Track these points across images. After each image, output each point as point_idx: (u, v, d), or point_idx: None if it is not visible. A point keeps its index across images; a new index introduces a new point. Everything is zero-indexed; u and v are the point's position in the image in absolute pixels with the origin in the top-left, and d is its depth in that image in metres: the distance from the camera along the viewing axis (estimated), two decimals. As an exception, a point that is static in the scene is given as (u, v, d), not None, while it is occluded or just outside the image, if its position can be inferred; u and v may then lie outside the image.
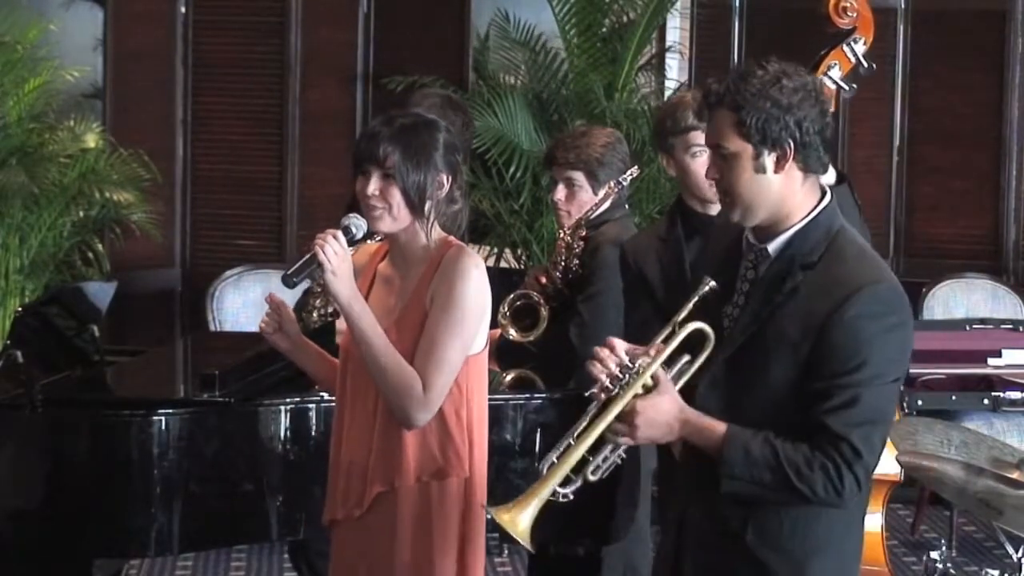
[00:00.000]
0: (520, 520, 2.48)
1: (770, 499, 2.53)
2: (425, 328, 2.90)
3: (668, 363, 2.58)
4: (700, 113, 2.76)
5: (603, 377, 2.54)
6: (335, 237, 2.86)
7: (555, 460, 2.52)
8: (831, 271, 2.52)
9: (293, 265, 2.90)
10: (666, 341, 2.59)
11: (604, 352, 2.57)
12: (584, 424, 2.53)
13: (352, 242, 2.92)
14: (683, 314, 2.58)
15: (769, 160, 2.53)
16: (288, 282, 2.88)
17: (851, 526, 2.66)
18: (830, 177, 3.40)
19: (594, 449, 2.54)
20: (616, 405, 2.52)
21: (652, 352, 2.57)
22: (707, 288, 2.59)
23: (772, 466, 2.47)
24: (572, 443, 2.53)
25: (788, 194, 2.56)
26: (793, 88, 2.52)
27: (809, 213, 2.57)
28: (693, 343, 2.59)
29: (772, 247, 2.58)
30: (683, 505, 2.70)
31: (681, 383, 2.57)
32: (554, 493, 2.52)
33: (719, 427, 2.52)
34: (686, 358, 2.58)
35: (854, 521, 2.66)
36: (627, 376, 2.54)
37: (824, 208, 2.59)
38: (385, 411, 2.93)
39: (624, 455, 2.57)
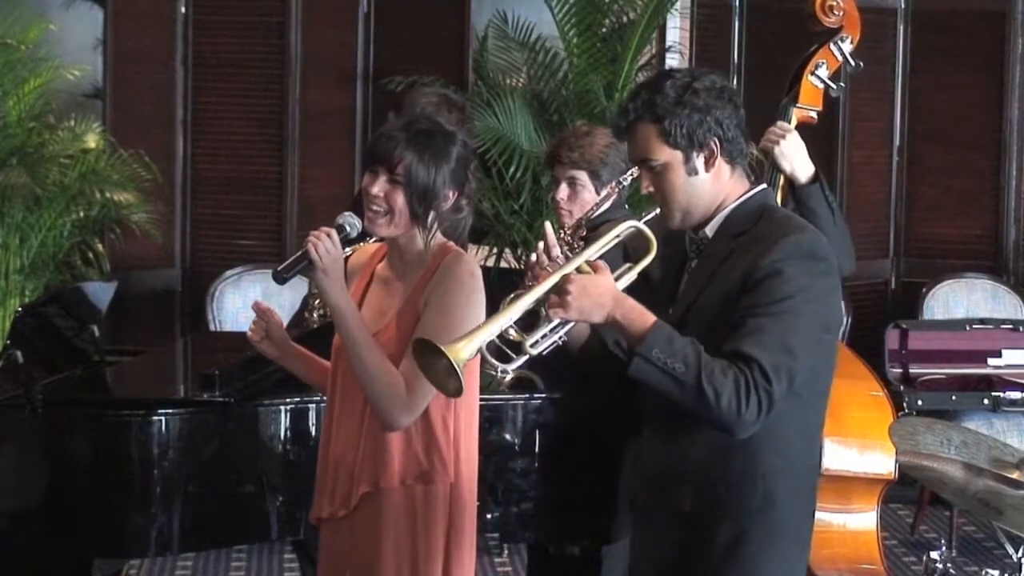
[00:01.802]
0: (462, 351, 2.50)
1: (672, 396, 2.54)
2: (415, 331, 2.89)
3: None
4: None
5: (543, 256, 2.68)
6: (328, 235, 2.87)
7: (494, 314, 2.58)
8: (761, 230, 2.65)
9: (285, 261, 2.91)
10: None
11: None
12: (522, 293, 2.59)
13: (346, 241, 2.92)
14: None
15: (699, 161, 2.67)
16: (279, 278, 2.89)
17: (795, 495, 2.70)
18: (807, 172, 3.37)
19: (532, 327, 2.60)
20: (554, 275, 2.58)
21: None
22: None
23: (688, 361, 2.52)
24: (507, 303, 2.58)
25: (719, 188, 2.70)
26: (705, 89, 2.65)
27: (742, 196, 2.71)
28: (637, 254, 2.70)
29: (709, 228, 2.71)
30: (632, 492, 2.78)
31: (621, 285, 2.64)
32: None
33: (651, 315, 2.58)
34: (627, 264, 2.70)
35: (800, 490, 2.71)
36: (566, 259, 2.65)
37: (757, 192, 2.73)
38: (373, 411, 2.92)
39: (566, 338, 2.60)
